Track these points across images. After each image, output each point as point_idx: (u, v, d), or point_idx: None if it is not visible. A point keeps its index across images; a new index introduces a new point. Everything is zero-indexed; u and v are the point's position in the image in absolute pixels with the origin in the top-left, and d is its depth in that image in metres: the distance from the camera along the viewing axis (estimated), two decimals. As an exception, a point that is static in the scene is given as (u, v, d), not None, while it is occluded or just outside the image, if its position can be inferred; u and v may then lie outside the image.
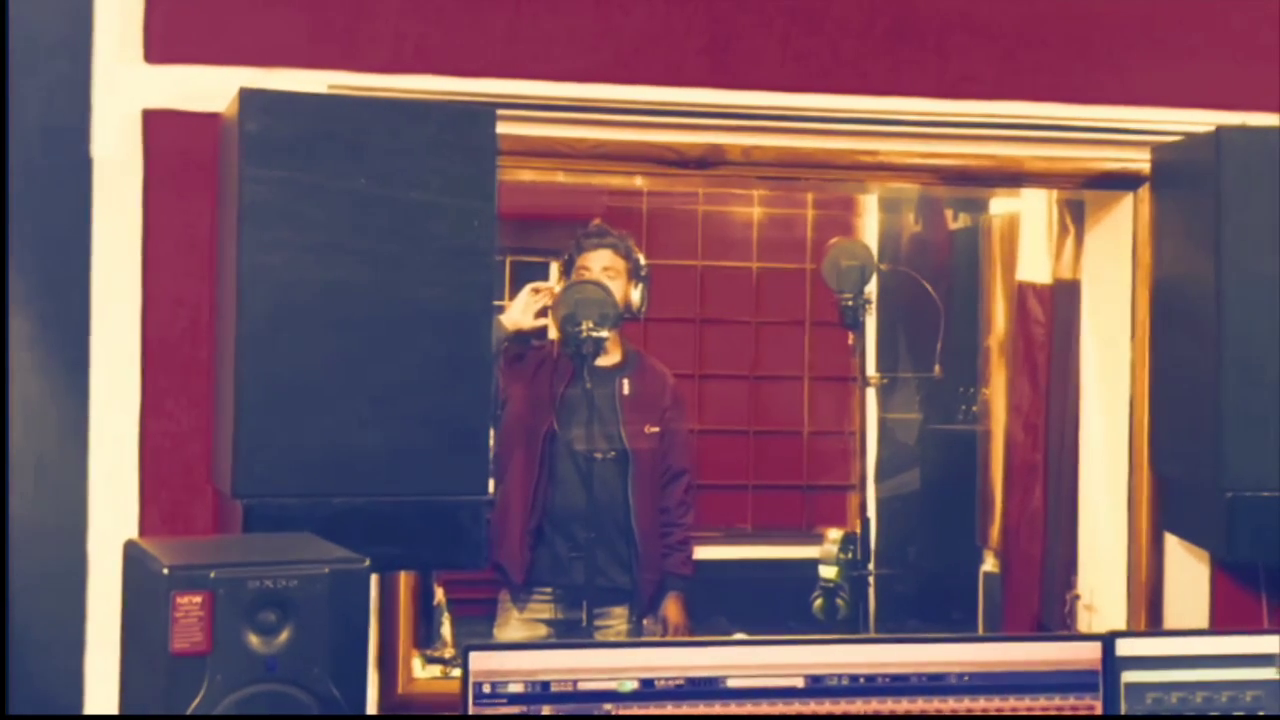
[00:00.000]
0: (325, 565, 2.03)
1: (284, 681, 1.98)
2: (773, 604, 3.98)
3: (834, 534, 3.89)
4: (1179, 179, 3.03)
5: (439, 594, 3.68)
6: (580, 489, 3.87)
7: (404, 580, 2.96)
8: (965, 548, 4.84)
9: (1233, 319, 2.78)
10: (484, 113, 2.63)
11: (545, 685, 2.34)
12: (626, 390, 4.04)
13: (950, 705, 2.43)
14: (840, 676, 2.41)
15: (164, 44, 2.80)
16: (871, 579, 3.96)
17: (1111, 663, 2.49)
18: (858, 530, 3.92)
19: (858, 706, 2.41)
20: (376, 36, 2.88)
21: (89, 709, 2.75)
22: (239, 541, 2.41)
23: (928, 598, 5.29)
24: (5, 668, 2.64)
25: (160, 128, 2.80)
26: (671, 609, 4.09)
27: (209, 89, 2.75)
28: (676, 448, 4.12)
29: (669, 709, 2.35)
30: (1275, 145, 2.82)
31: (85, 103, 2.78)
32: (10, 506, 2.69)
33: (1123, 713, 2.47)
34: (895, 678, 2.42)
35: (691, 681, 2.37)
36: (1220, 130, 2.83)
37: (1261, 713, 2.50)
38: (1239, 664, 2.52)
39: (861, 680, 2.42)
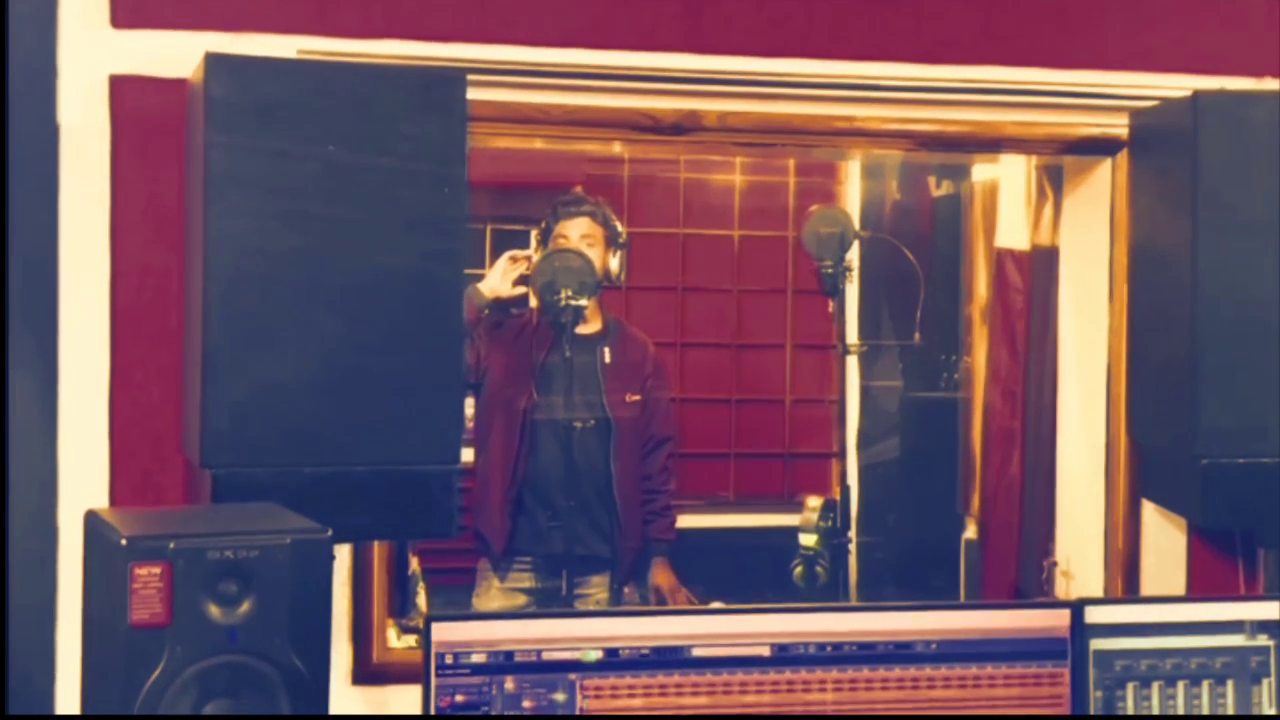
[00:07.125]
0: (287, 535, 2.01)
1: (245, 653, 1.97)
2: (753, 572, 3.97)
3: (814, 501, 3.87)
4: (1157, 144, 3.01)
5: (414, 563, 3.67)
6: (560, 458, 3.87)
7: (378, 550, 2.94)
8: (947, 515, 4.83)
9: (1209, 285, 2.77)
10: (454, 77, 2.60)
11: (509, 655, 2.33)
12: (608, 359, 4.03)
13: (913, 673, 2.42)
14: (807, 645, 2.40)
15: (130, 9, 2.77)
16: (852, 546, 3.95)
17: (1080, 630, 2.49)
18: (838, 498, 3.91)
19: (821, 675, 2.40)
20: (345, 1, 2.85)
21: (61, 683, 2.73)
22: (202, 512, 2.39)
23: (908, 565, 5.29)
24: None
25: (127, 93, 2.76)
26: (660, 575, 4.08)
27: (176, 54, 2.72)
28: (659, 416, 4.11)
29: (629, 679, 2.35)
30: (1252, 110, 2.80)
31: (51, 69, 2.74)
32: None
33: (1090, 679, 2.46)
34: (862, 645, 2.41)
35: (657, 651, 2.36)
36: (1197, 95, 2.81)
37: (1230, 680, 2.50)
38: (1208, 631, 2.52)
39: (829, 649, 2.41)
